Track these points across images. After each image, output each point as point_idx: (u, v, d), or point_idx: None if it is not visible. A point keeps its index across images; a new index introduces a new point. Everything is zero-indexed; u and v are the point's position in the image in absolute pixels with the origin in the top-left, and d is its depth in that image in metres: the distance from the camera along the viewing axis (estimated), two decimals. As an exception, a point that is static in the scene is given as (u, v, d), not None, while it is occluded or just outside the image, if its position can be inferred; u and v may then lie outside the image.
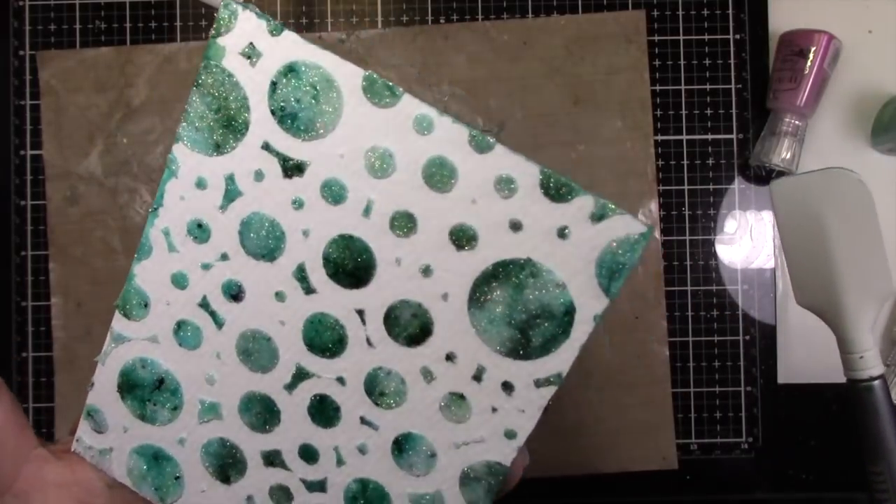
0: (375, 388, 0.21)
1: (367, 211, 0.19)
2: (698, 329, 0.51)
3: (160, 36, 0.51)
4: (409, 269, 0.19)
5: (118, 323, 0.23)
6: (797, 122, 0.48)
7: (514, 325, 0.19)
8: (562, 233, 0.18)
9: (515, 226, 0.18)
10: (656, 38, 0.51)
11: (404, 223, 0.19)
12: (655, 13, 0.51)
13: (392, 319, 0.20)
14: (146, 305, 0.22)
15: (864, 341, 0.37)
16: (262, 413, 0.22)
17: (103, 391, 0.23)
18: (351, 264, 0.20)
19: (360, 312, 0.20)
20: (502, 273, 0.18)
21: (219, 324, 0.22)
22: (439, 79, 0.50)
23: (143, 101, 0.50)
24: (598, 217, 0.17)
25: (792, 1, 0.51)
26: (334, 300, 0.20)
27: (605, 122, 0.50)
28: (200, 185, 0.21)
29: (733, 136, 0.51)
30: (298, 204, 0.20)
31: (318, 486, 0.22)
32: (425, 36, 0.51)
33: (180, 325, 0.22)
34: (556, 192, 0.17)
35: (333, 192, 0.20)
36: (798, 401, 0.51)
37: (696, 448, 0.51)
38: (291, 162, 0.20)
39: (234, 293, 0.21)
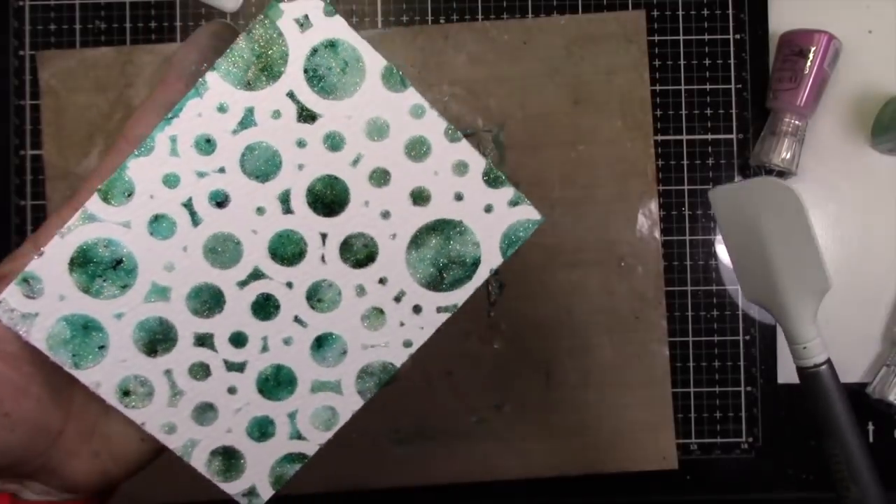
0: (316, 294, 0.25)
1: (355, 162, 0.25)
2: (698, 329, 0.51)
3: (160, 36, 0.51)
4: (373, 210, 0.25)
5: (94, 204, 0.24)
6: (797, 122, 0.48)
7: (435, 266, 0.25)
8: (488, 209, 0.25)
9: (459, 196, 0.25)
10: (656, 38, 0.51)
11: (381, 177, 0.25)
12: (655, 13, 0.51)
13: (347, 245, 0.25)
14: (129, 195, 0.24)
15: (806, 333, 0.40)
16: (209, 301, 0.25)
17: (51, 262, 0.24)
18: (330, 197, 0.25)
19: (324, 236, 0.25)
20: (440, 227, 0.25)
21: (196, 223, 0.24)
22: (439, 78, 0.50)
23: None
24: (513, 203, 0.25)
25: (792, 1, 0.51)
26: (305, 222, 0.25)
27: (605, 122, 0.50)
28: (221, 109, 0.24)
29: (733, 136, 0.51)
30: (302, 144, 0.24)
31: (238, 367, 0.26)
32: (425, 36, 0.51)
33: (157, 218, 0.24)
34: (492, 181, 0.25)
35: (333, 142, 0.24)
36: (798, 401, 0.51)
37: (696, 448, 0.51)
38: (307, 112, 0.24)
39: (220, 200, 0.24)
